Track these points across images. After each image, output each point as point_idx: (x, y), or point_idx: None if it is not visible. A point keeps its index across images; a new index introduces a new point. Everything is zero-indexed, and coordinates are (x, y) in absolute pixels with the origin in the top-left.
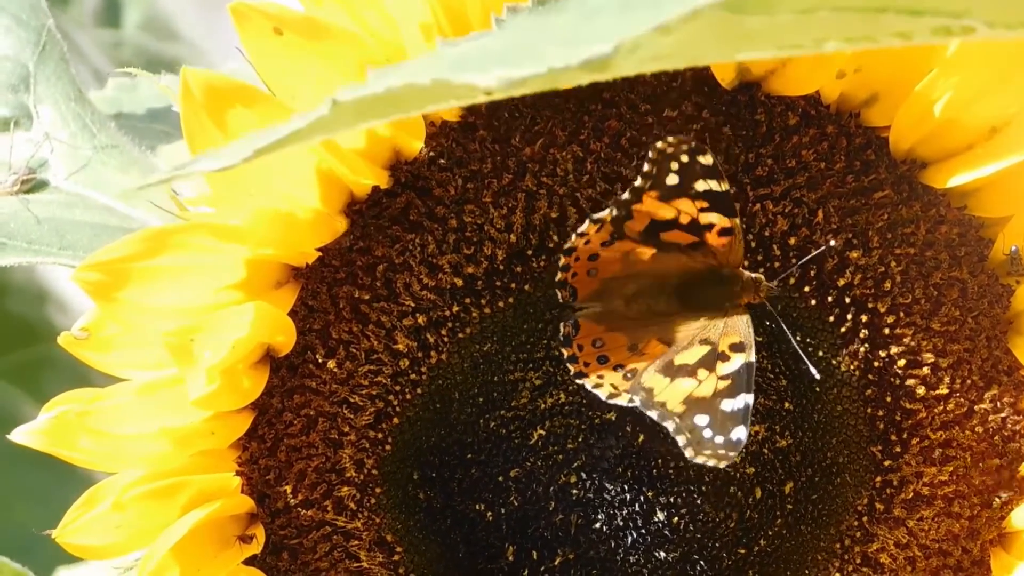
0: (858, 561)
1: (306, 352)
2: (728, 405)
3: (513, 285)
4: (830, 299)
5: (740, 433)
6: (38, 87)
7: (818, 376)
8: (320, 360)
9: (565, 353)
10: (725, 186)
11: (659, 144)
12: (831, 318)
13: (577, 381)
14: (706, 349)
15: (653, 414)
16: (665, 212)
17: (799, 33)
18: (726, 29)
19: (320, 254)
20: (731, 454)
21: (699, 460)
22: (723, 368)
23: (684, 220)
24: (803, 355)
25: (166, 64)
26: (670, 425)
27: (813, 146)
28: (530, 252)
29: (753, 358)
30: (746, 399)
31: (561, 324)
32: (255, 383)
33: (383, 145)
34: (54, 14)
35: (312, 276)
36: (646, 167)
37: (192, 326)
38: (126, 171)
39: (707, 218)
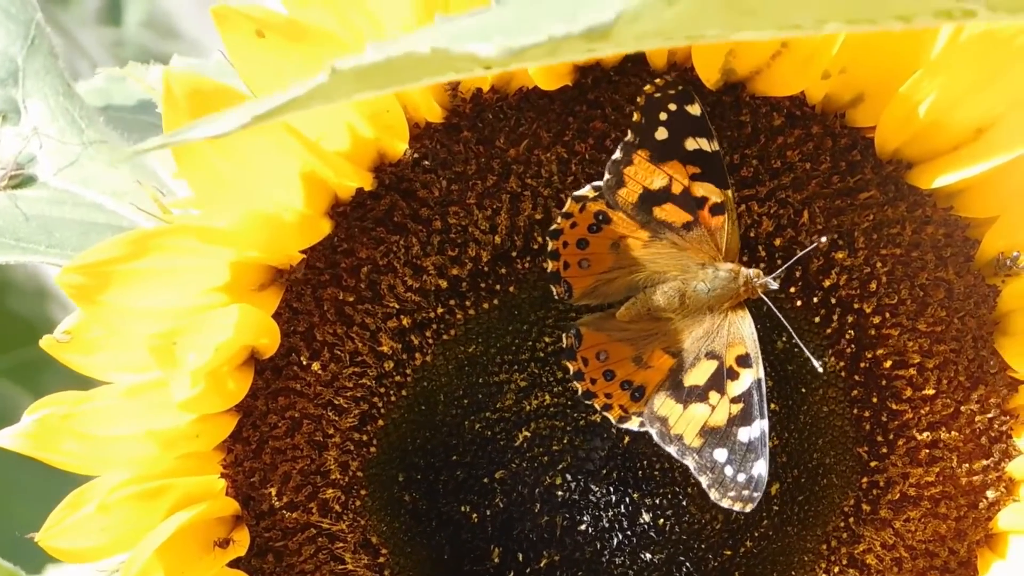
0: (845, 562)
1: (290, 354)
2: (744, 434)
3: (498, 287)
4: (816, 300)
5: (760, 468)
6: (26, 81)
7: (821, 369)
8: (304, 362)
9: (571, 368)
10: (715, 145)
11: (647, 87)
12: (817, 319)
13: (586, 402)
14: (713, 365)
15: (672, 450)
16: (657, 179)
17: (801, 12)
18: (728, 4)
19: (304, 256)
20: (755, 495)
21: (726, 504)
22: (733, 388)
23: (676, 189)
24: (806, 350)
25: (167, 63)
26: (691, 463)
27: (798, 147)
28: (515, 254)
29: (762, 373)
30: (761, 426)
31: (563, 336)
32: (239, 385)
33: (367, 147)
34: (56, 12)
35: (296, 278)
36: (635, 116)
37: (176, 329)
38: (115, 167)
39: (699, 189)
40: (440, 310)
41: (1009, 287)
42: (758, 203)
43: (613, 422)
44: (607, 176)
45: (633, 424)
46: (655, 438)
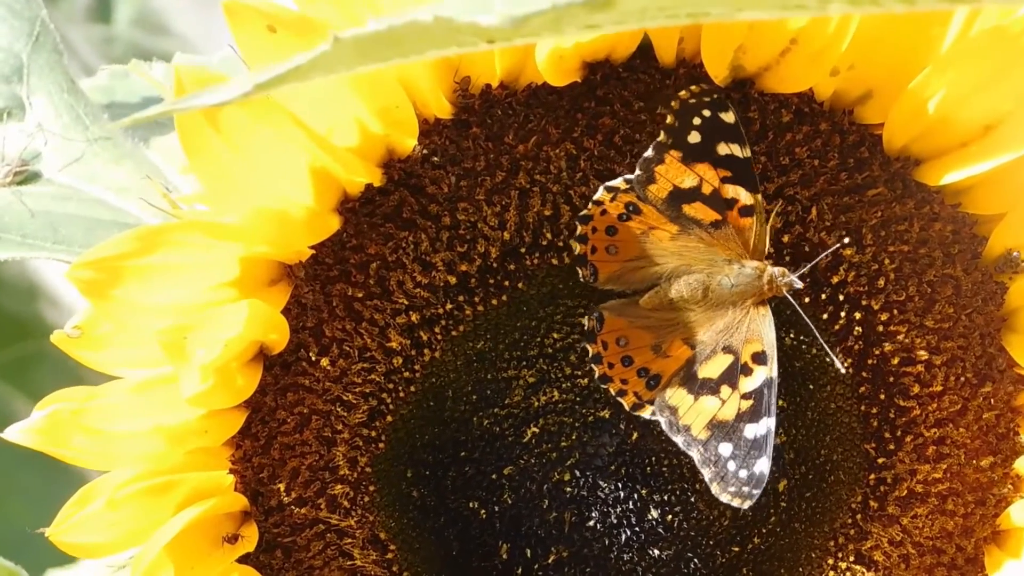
0: (852, 559)
1: (299, 350)
2: (751, 431)
3: (507, 283)
4: (824, 297)
5: (762, 466)
6: (31, 78)
7: (844, 370)
8: (313, 358)
9: (590, 351)
10: (747, 152)
11: (682, 93)
12: (825, 315)
13: (602, 386)
14: (729, 360)
15: (679, 440)
16: (687, 179)
17: None
18: None
19: (314, 252)
20: (755, 492)
21: (725, 499)
22: (745, 384)
23: (706, 190)
24: (828, 349)
25: (158, 60)
26: (695, 455)
27: (807, 143)
28: (523, 250)
29: (775, 373)
30: (768, 424)
31: (585, 318)
32: (248, 381)
33: (376, 142)
34: (46, 9)
35: (305, 274)
36: (669, 119)
37: (186, 324)
38: (119, 163)
39: (729, 191)
40: (449, 306)
41: (1017, 284)
42: (766, 199)
43: (626, 408)
44: (638, 172)
45: (646, 412)
46: (663, 427)
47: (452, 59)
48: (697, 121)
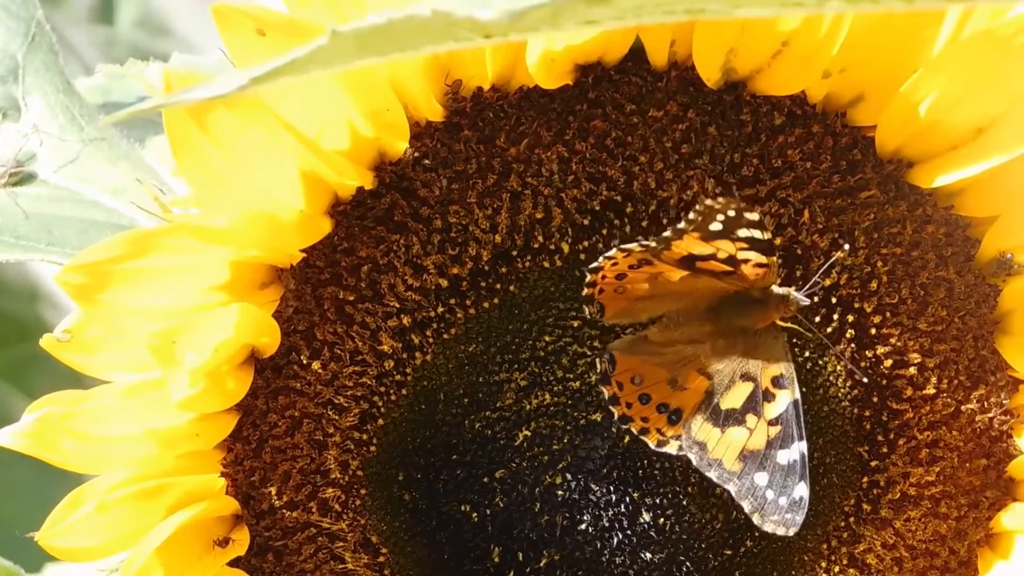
0: (845, 562)
1: (291, 353)
2: (784, 457)
3: (498, 286)
4: (816, 299)
5: (801, 491)
6: (27, 78)
7: (866, 380)
8: (305, 361)
9: (606, 393)
10: (767, 235)
11: (708, 201)
12: (817, 318)
13: (623, 427)
14: (749, 387)
15: (712, 475)
16: (703, 249)
17: None
18: None
19: (304, 255)
20: (797, 518)
21: (768, 528)
22: (771, 410)
23: (722, 256)
24: (852, 365)
25: (159, 61)
26: (732, 489)
27: (799, 146)
28: (515, 253)
29: (798, 394)
30: (800, 448)
31: (597, 360)
32: (239, 384)
33: (367, 145)
34: (48, 11)
35: (297, 277)
36: (691, 215)
37: (175, 328)
38: (115, 165)
39: (745, 255)
40: (440, 309)
41: (1010, 286)
42: (759, 202)
43: (651, 446)
44: (653, 244)
45: (672, 448)
46: (695, 463)
47: (443, 61)
48: (721, 218)
